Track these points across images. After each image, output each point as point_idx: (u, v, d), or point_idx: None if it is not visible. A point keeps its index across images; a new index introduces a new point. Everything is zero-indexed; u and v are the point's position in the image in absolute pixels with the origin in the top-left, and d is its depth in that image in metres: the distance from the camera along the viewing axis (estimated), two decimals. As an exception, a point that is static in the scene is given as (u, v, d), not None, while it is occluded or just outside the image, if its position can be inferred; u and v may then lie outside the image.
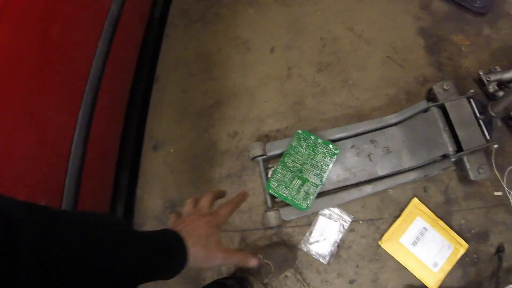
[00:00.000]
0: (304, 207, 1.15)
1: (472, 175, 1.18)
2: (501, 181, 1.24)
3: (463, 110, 1.19)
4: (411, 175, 1.19)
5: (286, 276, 1.21)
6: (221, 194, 0.73)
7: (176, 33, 1.44)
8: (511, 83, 1.25)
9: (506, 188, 1.24)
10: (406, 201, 1.23)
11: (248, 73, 1.36)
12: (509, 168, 1.25)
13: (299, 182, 1.18)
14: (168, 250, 0.53)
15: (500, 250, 1.20)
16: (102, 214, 0.53)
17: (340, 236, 1.22)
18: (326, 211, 1.23)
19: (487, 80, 1.26)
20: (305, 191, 1.17)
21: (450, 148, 1.16)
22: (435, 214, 1.22)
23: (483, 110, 1.18)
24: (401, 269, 1.20)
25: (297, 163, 1.19)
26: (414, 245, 1.19)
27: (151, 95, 1.38)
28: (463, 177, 1.23)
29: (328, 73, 1.33)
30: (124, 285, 0.47)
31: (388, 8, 1.38)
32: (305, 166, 1.18)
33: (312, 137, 1.20)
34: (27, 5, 0.75)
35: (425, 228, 1.20)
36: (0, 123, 0.69)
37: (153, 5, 1.34)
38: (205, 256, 0.56)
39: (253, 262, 0.61)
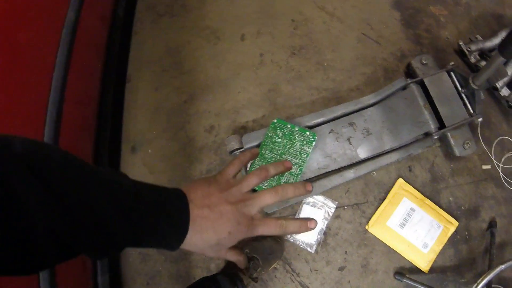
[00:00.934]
0: (285, 198, 1.13)
1: (457, 151, 1.14)
2: (489, 154, 1.20)
3: (443, 85, 1.14)
4: (394, 156, 1.15)
5: (275, 268, 1.19)
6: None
7: (144, 30, 1.39)
8: (493, 52, 1.19)
9: (494, 161, 1.20)
10: (391, 183, 1.19)
11: (220, 63, 1.32)
12: (496, 140, 1.21)
13: (278, 173, 1.14)
14: (170, 224, 0.45)
15: (492, 225, 1.17)
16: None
17: (326, 223, 1.19)
18: (309, 200, 1.20)
19: (467, 50, 1.21)
20: (285, 182, 1.14)
21: (432, 126, 1.12)
22: (422, 193, 1.18)
23: (464, 83, 1.13)
24: (391, 252, 1.17)
25: (275, 153, 1.16)
26: (402, 227, 1.16)
27: (125, 96, 1.34)
28: (449, 153, 1.19)
29: (302, 56, 1.28)
30: (116, 236, 0.41)
31: (361, -17, 1.32)
32: (283, 156, 1.15)
33: (288, 126, 1.16)
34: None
35: (412, 209, 1.16)
36: None
37: (116, 4, 1.29)
38: (200, 251, 0.49)
39: (244, 264, 0.57)
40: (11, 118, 0.82)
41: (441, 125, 1.13)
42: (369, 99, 1.18)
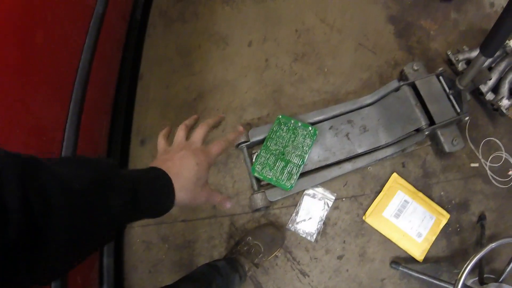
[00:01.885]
0: (288, 186, 1.19)
1: (447, 147, 1.23)
2: (477, 154, 1.29)
3: (432, 86, 1.25)
4: (389, 151, 1.24)
5: (276, 256, 1.24)
6: (217, 123, 0.68)
7: (157, 33, 1.50)
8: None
9: (482, 159, 1.29)
10: (386, 177, 1.27)
11: (228, 66, 1.42)
12: (483, 141, 1.30)
13: (282, 163, 1.22)
14: (158, 192, 0.53)
15: (482, 218, 1.24)
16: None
17: (325, 214, 1.25)
18: (310, 191, 1.27)
19: (455, 60, 1.33)
20: (288, 172, 1.21)
21: (423, 122, 1.21)
22: (415, 187, 1.26)
23: (451, 85, 1.24)
24: (387, 242, 1.23)
25: (279, 146, 1.24)
26: (397, 217, 1.23)
27: (136, 92, 1.43)
28: (439, 151, 1.28)
29: (304, 62, 1.40)
30: (114, 221, 0.47)
31: (357, -1, 1.46)
32: (287, 148, 1.23)
33: (292, 121, 1.25)
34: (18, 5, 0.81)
35: (406, 201, 1.24)
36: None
37: (134, 7, 1.41)
38: (190, 200, 0.56)
39: (228, 205, 0.64)
40: (42, 88, 0.89)
41: (431, 122, 1.22)
42: (366, 99, 1.29)
